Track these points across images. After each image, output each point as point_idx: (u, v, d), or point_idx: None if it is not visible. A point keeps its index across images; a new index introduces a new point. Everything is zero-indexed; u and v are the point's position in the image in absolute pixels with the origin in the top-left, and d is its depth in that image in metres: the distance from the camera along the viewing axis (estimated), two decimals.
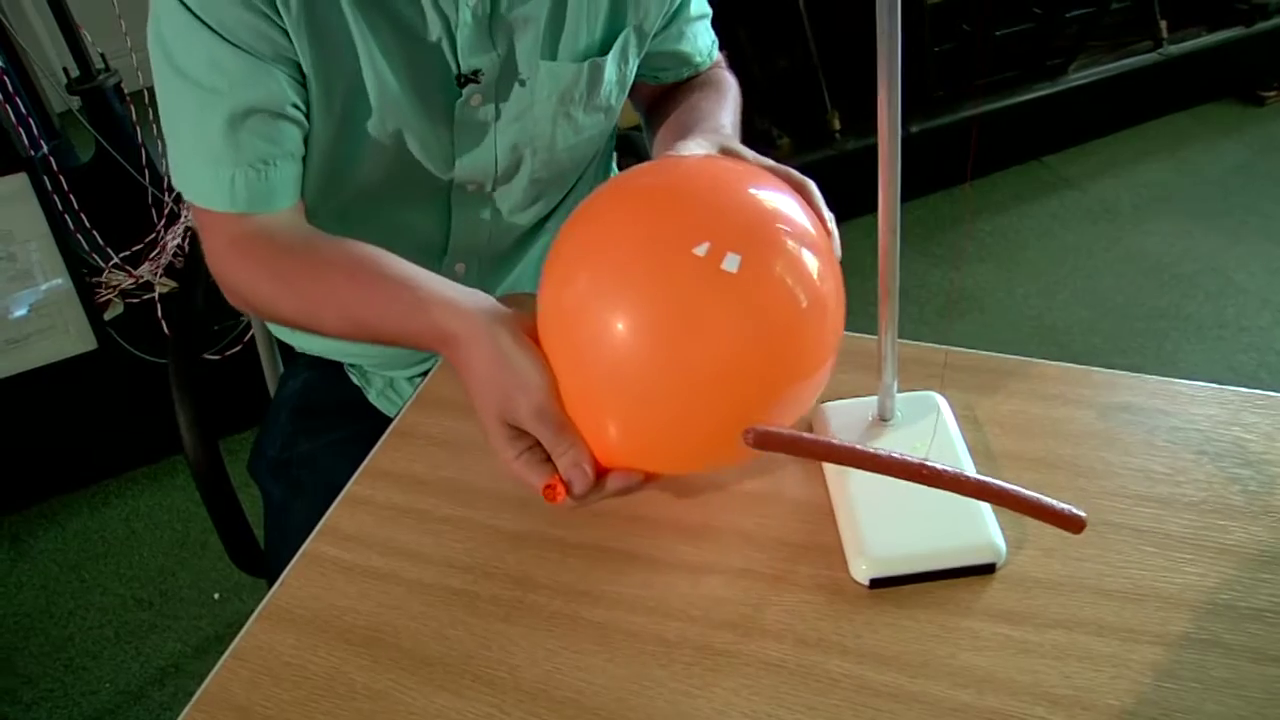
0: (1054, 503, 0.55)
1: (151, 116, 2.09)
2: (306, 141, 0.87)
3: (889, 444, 0.76)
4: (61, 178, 1.83)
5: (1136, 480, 0.72)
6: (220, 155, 0.81)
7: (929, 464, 0.56)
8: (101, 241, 1.92)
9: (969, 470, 0.72)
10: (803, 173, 0.73)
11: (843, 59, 2.52)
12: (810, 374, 0.66)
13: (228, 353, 1.98)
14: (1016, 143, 2.77)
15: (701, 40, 1.06)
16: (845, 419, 0.78)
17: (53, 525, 2.08)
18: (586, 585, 0.69)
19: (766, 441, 0.58)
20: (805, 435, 0.59)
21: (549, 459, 0.66)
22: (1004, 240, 2.60)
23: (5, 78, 1.72)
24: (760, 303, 0.61)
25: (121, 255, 1.94)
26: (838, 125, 2.57)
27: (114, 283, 1.92)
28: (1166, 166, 2.77)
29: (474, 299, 0.72)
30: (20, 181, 1.73)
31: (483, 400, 0.68)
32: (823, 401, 0.79)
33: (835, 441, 0.59)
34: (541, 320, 0.69)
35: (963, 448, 0.75)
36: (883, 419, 0.77)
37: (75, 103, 1.92)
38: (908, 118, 2.51)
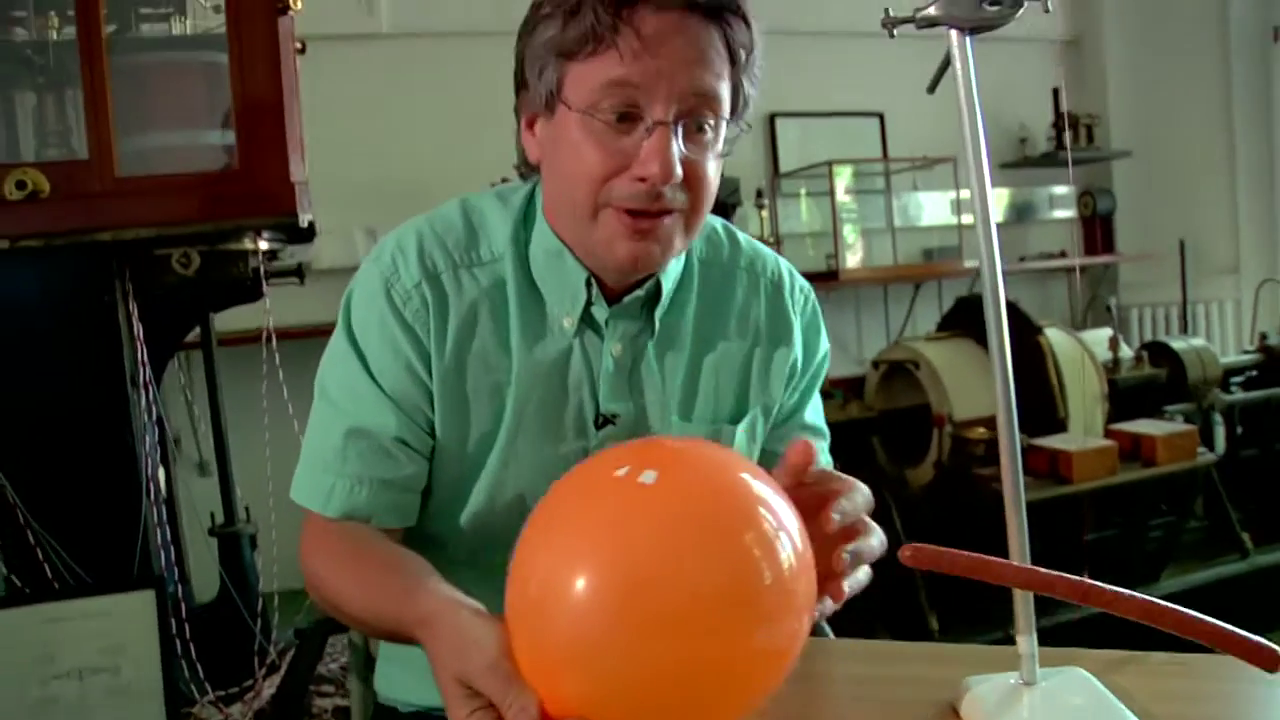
0: (1244, 634, 0.52)
1: (275, 570, 2.23)
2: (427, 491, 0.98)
3: (1035, 706, 0.72)
4: (183, 606, 1.91)
5: None
6: (329, 464, 0.94)
7: (1094, 583, 0.55)
8: (203, 675, 1.94)
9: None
10: None
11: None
12: (755, 620, 0.62)
13: None
14: (1113, 647, 2.69)
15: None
16: (988, 686, 0.75)
17: None
18: None
19: (920, 558, 0.58)
20: (958, 553, 0.59)
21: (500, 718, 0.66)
22: None
23: (165, 506, 1.88)
24: (679, 512, 0.62)
25: (218, 693, 1.95)
26: (935, 625, 2.57)
27: (204, 716, 1.90)
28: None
29: (458, 592, 0.77)
30: (147, 599, 1.81)
31: (442, 666, 0.70)
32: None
33: (989, 558, 0.58)
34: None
35: (1119, 704, 0.70)
36: (1026, 682, 0.74)
37: (212, 544, 2.07)
38: (1001, 621, 2.50)
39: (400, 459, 0.95)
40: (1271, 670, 0.52)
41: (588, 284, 0.95)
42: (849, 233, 4.44)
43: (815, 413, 1.13)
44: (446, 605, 0.74)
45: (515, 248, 0.98)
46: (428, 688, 1.11)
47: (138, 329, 1.82)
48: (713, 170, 0.91)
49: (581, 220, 0.91)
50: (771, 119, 4.48)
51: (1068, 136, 4.70)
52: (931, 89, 0.88)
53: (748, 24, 0.89)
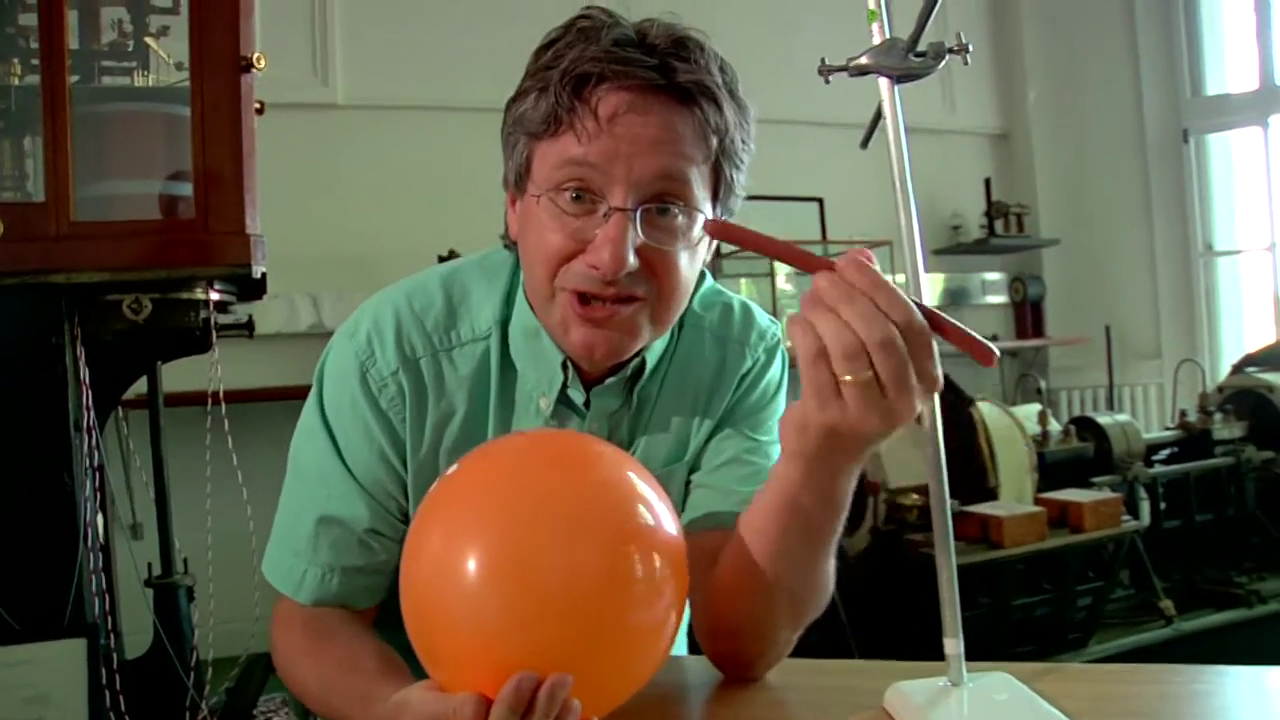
0: (971, 333, 0.68)
1: (212, 623, 2.19)
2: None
3: (962, 702, 0.77)
4: (114, 658, 1.87)
5: None
6: (300, 550, 0.95)
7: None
8: None
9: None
10: None
11: (879, 630, 2.63)
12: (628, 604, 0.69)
13: None
14: None
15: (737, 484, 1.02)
16: (916, 686, 0.79)
17: None
18: None
19: (721, 231, 0.73)
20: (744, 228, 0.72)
21: None
22: None
23: (103, 552, 1.86)
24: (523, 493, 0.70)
25: None
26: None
27: None
28: None
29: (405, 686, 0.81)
30: (77, 649, 1.78)
31: None
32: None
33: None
34: None
35: (1042, 701, 0.75)
36: (953, 683, 0.78)
37: (147, 596, 2.03)
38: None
39: (374, 548, 0.95)
40: (987, 364, 0.67)
41: (564, 366, 0.94)
42: (788, 313, 4.55)
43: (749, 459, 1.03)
44: (391, 703, 0.77)
45: (499, 327, 0.97)
46: None
47: (84, 373, 1.82)
48: (685, 260, 0.88)
49: (543, 302, 0.90)
50: None
51: (999, 225, 4.91)
52: (865, 143, 0.95)
53: (720, 106, 0.86)
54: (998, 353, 0.69)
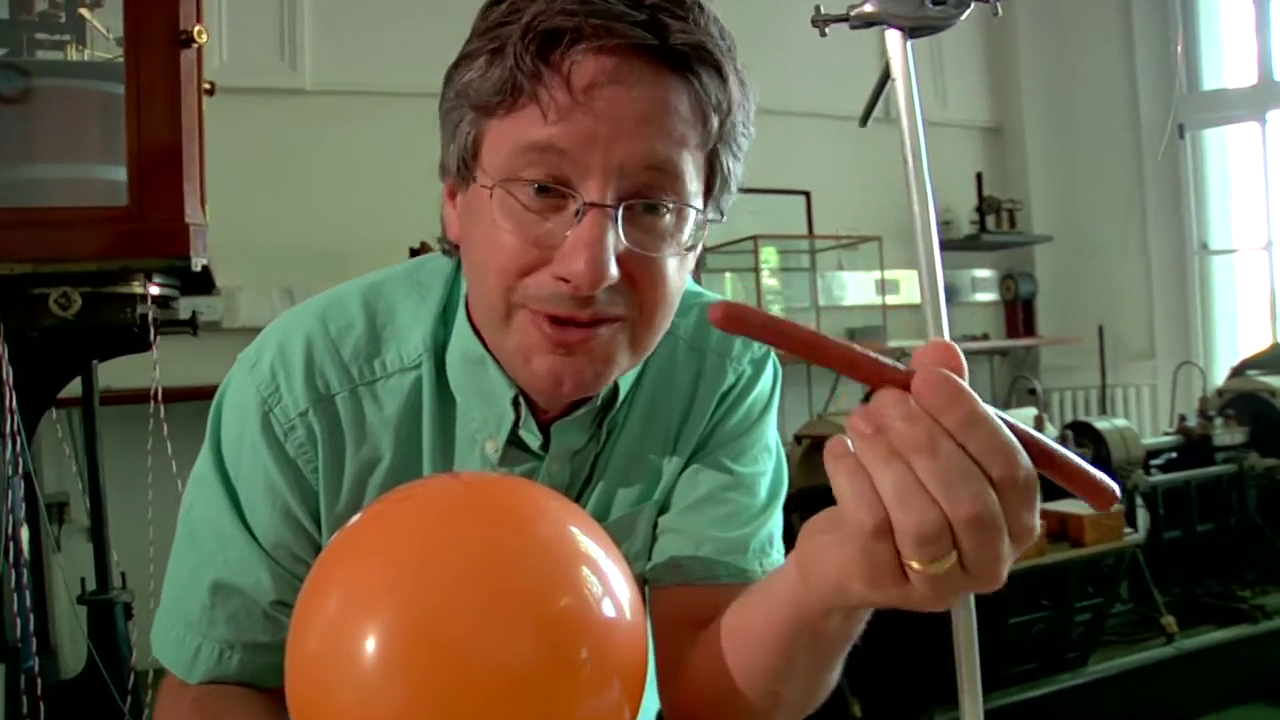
0: (1094, 473, 0.49)
1: (150, 648, 2.05)
2: None
3: None
4: (39, 681, 1.72)
5: None
6: (193, 622, 0.79)
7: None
8: None
9: None
10: None
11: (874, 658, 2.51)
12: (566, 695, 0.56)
13: None
14: None
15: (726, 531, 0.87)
16: None
17: None
18: None
19: (736, 322, 0.49)
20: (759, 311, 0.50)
21: None
22: None
23: (30, 568, 1.71)
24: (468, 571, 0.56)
25: None
26: (858, 712, 2.47)
27: None
28: None
29: None
30: None
31: None
32: None
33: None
34: None
35: None
36: None
37: (82, 612, 1.88)
38: (928, 705, 2.41)
39: (279, 620, 0.78)
40: (1104, 508, 0.50)
41: (515, 403, 0.77)
42: (774, 310, 4.42)
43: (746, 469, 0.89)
44: None
45: (433, 354, 0.80)
46: None
47: (8, 373, 1.67)
48: (673, 268, 0.71)
49: (495, 323, 0.72)
50: None
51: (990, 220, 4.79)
52: (864, 119, 0.81)
53: (724, 77, 0.69)
54: (1119, 493, 0.51)
